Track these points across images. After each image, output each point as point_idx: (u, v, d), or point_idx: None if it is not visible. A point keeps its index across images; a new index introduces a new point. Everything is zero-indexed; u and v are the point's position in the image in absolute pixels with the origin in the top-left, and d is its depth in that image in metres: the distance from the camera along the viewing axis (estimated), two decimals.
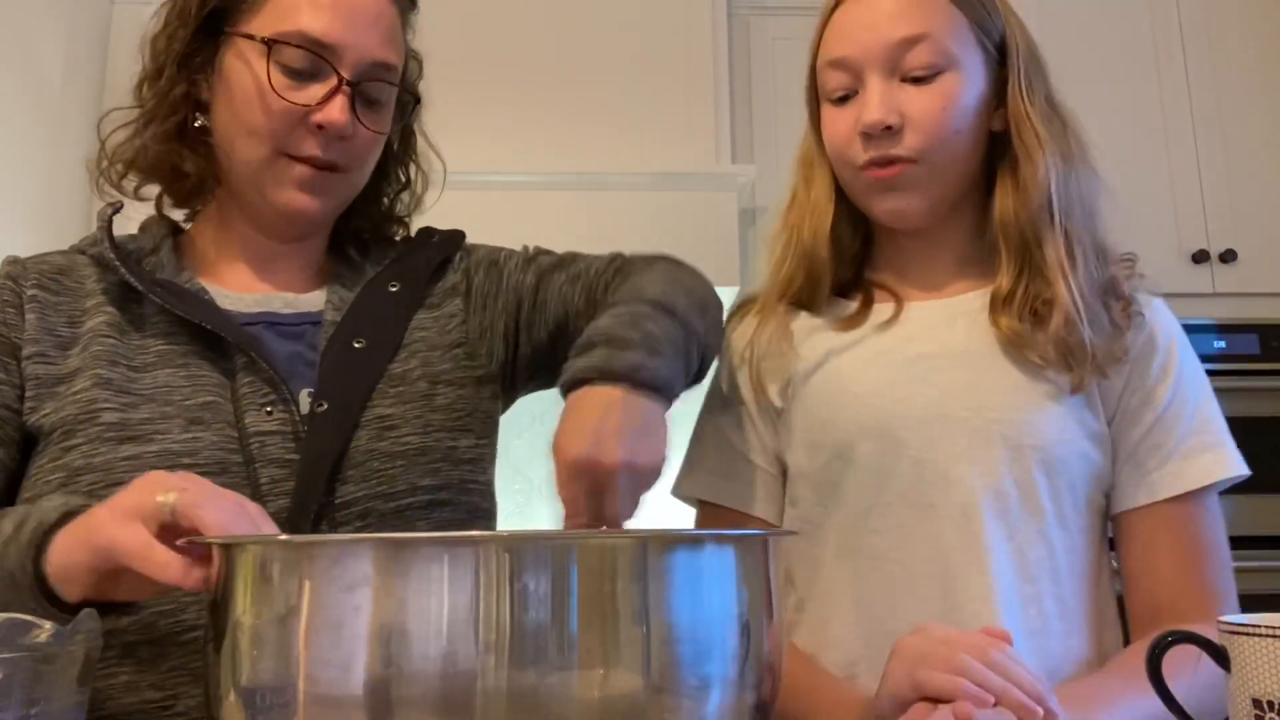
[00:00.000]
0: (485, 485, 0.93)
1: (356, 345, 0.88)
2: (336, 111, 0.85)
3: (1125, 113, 2.52)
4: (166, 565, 0.59)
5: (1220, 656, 0.56)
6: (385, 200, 1.03)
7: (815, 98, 0.96)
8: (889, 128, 0.88)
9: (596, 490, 0.69)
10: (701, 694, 0.47)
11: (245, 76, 0.85)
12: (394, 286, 0.94)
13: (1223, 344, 2.40)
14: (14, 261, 0.91)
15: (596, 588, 0.46)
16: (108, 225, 0.91)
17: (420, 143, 1.03)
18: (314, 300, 0.93)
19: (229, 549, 0.52)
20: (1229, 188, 2.57)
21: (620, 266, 0.94)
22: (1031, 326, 0.86)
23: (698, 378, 0.86)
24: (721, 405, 0.97)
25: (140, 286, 0.85)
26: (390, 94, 0.92)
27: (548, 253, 1.01)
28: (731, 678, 0.49)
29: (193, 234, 0.96)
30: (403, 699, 0.44)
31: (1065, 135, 0.92)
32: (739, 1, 2.82)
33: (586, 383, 0.72)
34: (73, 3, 2.57)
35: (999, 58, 0.92)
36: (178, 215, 0.99)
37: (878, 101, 0.88)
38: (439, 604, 0.44)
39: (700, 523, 1.00)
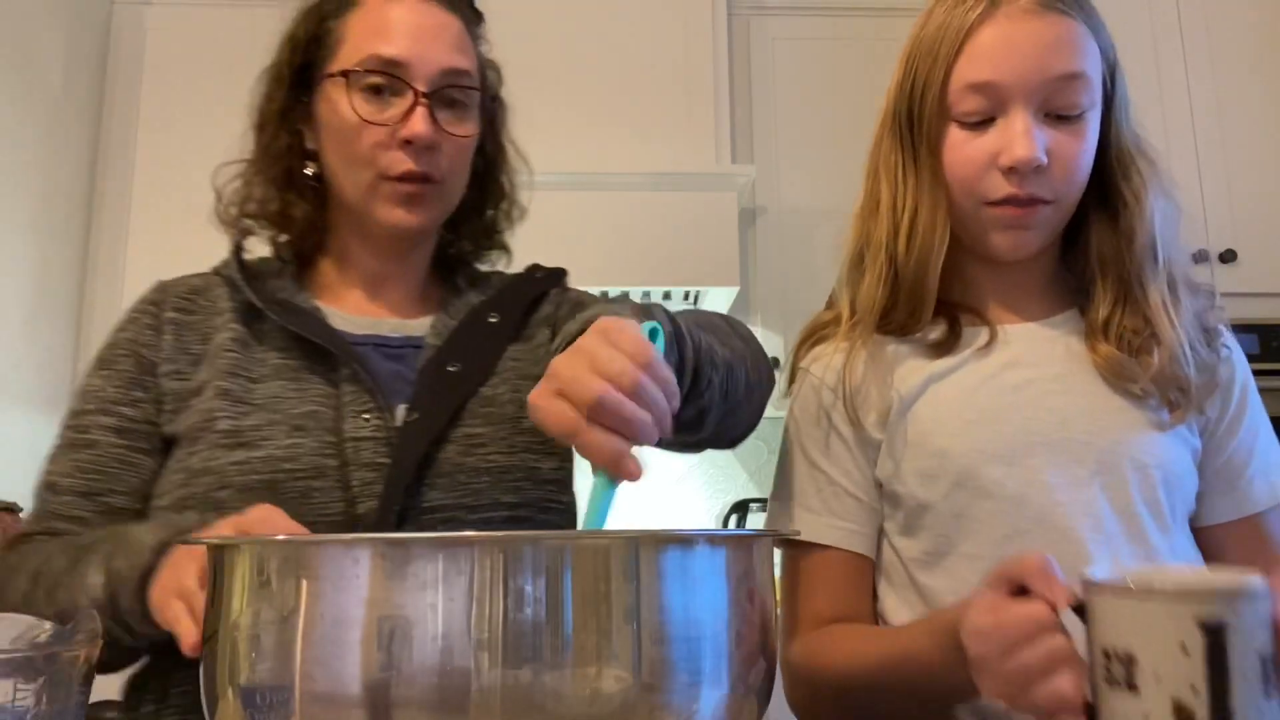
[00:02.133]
0: (566, 506, 0.95)
1: (451, 369, 0.93)
2: (419, 123, 0.89)
3: None
4: (184, 634, 0.66)
5: (1080, 611, 0.59)
6: (485, 215, 1.06)
7: (938, 112, 0.87)
8: (1038, 167, 0.83)
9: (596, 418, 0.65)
10: (692, 691, 0.48)
11: (336, 113, 0.92)
12: (494, 318, 0.99)
13: None
14: (159, 288, 1.00)
15: (589, 587, 0.46)
16: (237, 250, 0.99)
17: (511, 154, 1.07)
18: (419, 326, 0.98)
19: (225, 549, 0.53)
20: (1229, 188, 2.57)
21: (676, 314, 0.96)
22: (1131, 357, 0.85)
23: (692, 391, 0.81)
24: (810, 439, 0.93)
25: (260, 304, 0.92)
26: (470, 98, 0.95)
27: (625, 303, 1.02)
28: (722, 676, 0.50)
29: (316, 261, 1.02)
30: (399, 697, 0.45)
31: (1159, 168, 0.90)
32: (739, 1, 2.82)
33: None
34: (73, 3, 2.57)
35: (1111, 85, 0.89)
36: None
37: (1031, 138, 0.82)
38: (435, 603, 0.45)
39: (788, 563, 0.94)
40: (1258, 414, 0.93)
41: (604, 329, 0.64)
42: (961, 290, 0.93)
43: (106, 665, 0.84)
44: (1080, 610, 0.58)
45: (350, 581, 0.46)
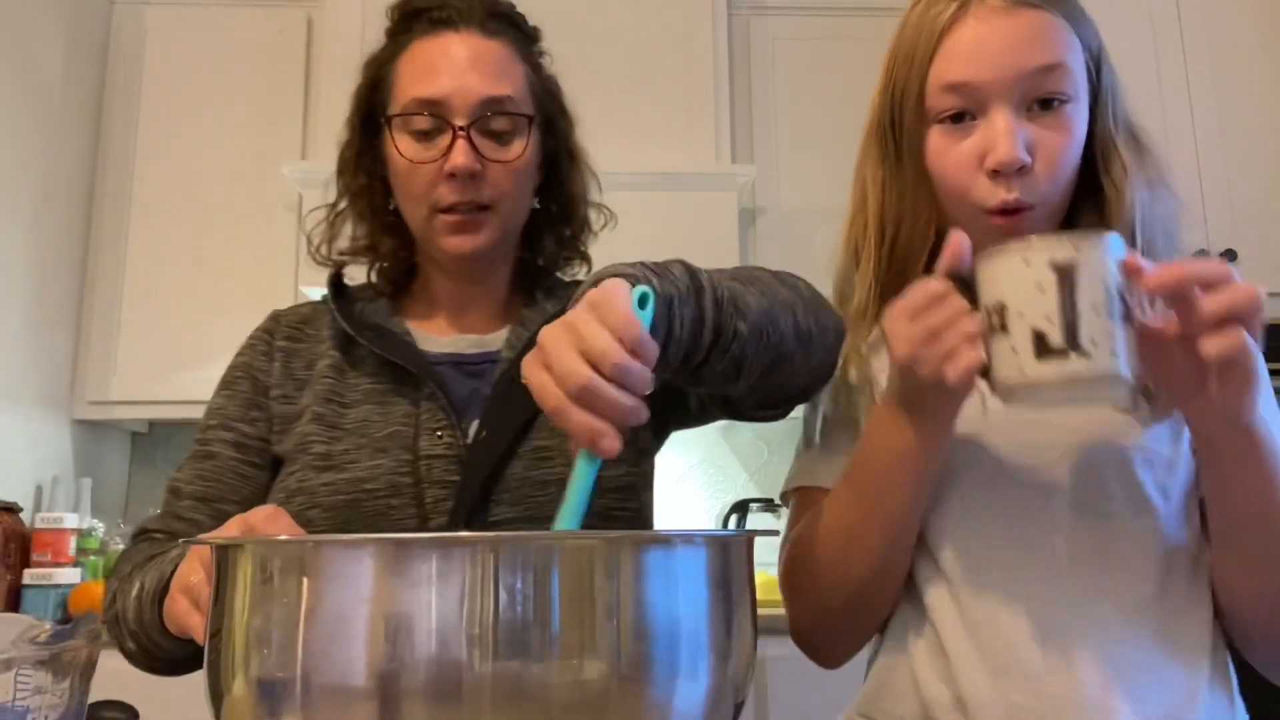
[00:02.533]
0: (634, 512, 0.97)
1: (523, 381, 0.93)
2: (460, 156, 0.93)
3: None
4: (196, 628, 0.71)
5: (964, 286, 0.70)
6: (558, 227, 1.07)
7: (919, 116, 0.87)
8: (1021, 168, 0.82)
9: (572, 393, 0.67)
10: (669, 684, 0.51)
11: (392, 154, 0.97)
12: None
13: None
14: (273, 317, 1.06)
15: (574, 585, 0.49)
16: (334, 279, 1.05)
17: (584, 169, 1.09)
18: (497, 340, 1.01)
19: (229, 549, 0.54)
20: (1229, 187, 2.57)
21: None
22: None
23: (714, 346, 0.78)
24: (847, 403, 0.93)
25: (351, 331, 0.98)
26: (515, 123, 0.97)
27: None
28: (699, 670, 0.53)
29: (409, 285, 1.08)
30: (398, 689, 0.47)
31: (1147, 159, 0.88)
32: (739, 1, 2.82)
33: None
34: (73, 3, 2.58)
35: (1096, 76, 0.87)
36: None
37: (1012, 138, 0.81)
38: (430, 600, 0.47)
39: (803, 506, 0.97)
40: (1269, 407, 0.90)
41: (592, 302, 0.64)
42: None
43: (158, 669, 0.90)
44: (963, 284, 0.70)
45: (350, 580, 0.48)
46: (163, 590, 0.80)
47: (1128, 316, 0.65)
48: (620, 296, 0.65)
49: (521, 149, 0.97)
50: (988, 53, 0.83)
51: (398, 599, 0.48)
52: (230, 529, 0.71)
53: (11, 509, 2.27)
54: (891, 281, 0.89)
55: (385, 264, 1.06)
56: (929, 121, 0.86)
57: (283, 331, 1.03)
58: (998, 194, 0.83)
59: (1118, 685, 0.77)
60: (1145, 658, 0.79)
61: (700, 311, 0.71)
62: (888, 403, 0.78)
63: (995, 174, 0.82)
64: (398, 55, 0.99)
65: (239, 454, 0.97)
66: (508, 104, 0.96)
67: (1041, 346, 0.64)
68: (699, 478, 2.89)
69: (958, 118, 0.84)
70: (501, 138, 0.96)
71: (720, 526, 2.74)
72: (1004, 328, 0.66)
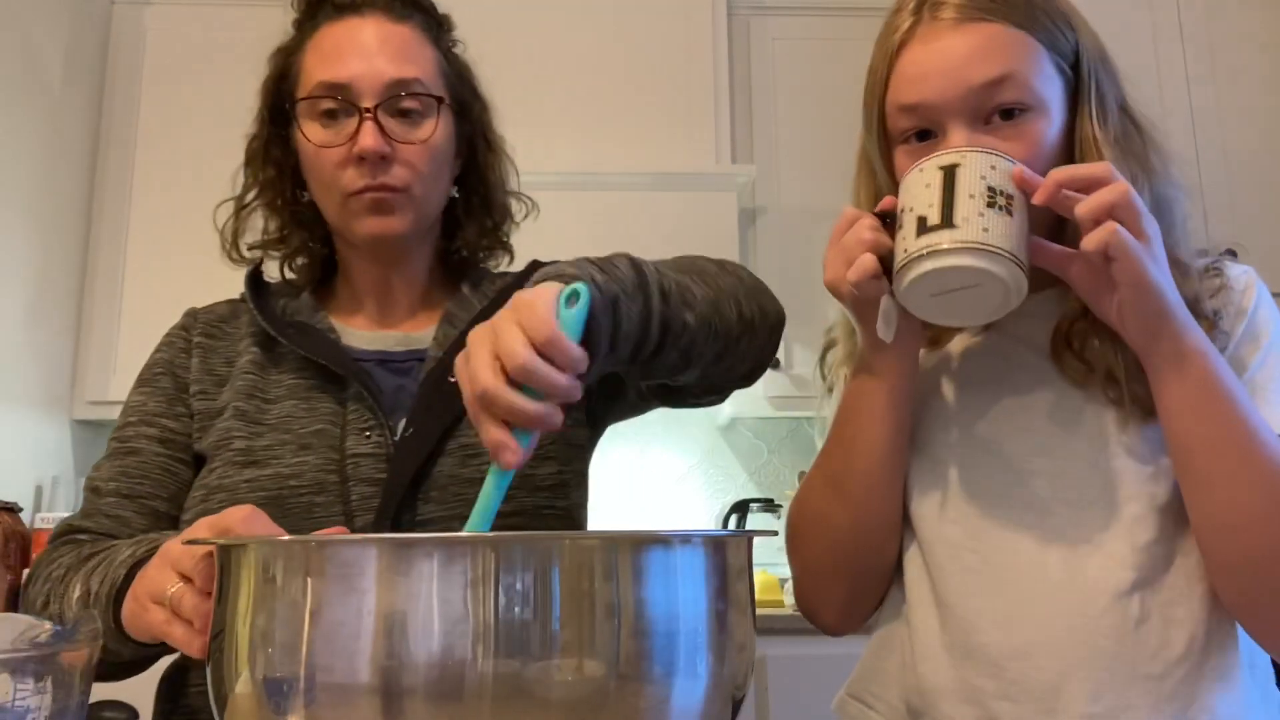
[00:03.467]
0: (564, 510, 0.95)
1: (452, 379, 0.93)
2: (368, 139, 0.92)
3: None
4: (179, 639, 0.68)
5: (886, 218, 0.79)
6: (478, 215, 1.06)
7: (883, 137, 0.88)
8: None
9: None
10: (666, 682, 0.52)
11: (300, 141, 0.96)
12: None
13: None
14: (189, 314, 1.05)
15: (575, 584, 0.50)
16: (252, 275, 1.03)
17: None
18: (424, 338, 1.00)
19: (232, 550, 0.55)
20: (1229, 187, 2.57)
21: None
22: (1088, 361, 0.83)
23: (660, 348, 0.78)
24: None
25: (273, 331, 0.96)
26: (425, 104, 0.96)
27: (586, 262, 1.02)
28: (696, 668, 0.53)
29: (330, 278, 1.07)
30: (401, 687, 0.47)
31: (1142, 149, 0.87)
32: (739, 1, 2.82)
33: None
34: (73, 3, 2.58)
35: (1074, 75, 0.86)
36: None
37: None
38: (433, 599, 0.48)
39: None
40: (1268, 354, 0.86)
41: (515, 303, 0.64)
42: None
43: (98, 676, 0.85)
44: (886, 217, 0.78)
45: (354, 580, 0.49)
46: (117, 594, 0.77)
47: (1009, 211, 0.73)
48: (543, 297, 0.64)
49: (432, 129, 0.95)
50: (936, 71, 0.83)
51: (400, 598, 0.48)
52: (199, 530, 0.70)
53: (11, 509, 2.27)
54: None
55: (298, 258, 1.04)
56: (895, 142, 0.87)
57: (199, 329, 1.02)
58: None
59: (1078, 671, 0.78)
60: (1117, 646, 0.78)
61: (647, 306, 0.72)
62: (858, 351, 0.85)
63: None
64: (304, 43, 0.98)
65: (164, 449, 0.95)
66: (416, 85, 0.95)
67: (921, 227, 0.73)
68: (699, 478, 2.89)
69: (922, 135, 0.85)
70: (410, 117, 0.95)
71: (720, 526, 2.74)
72: (901, 227, 0.75)
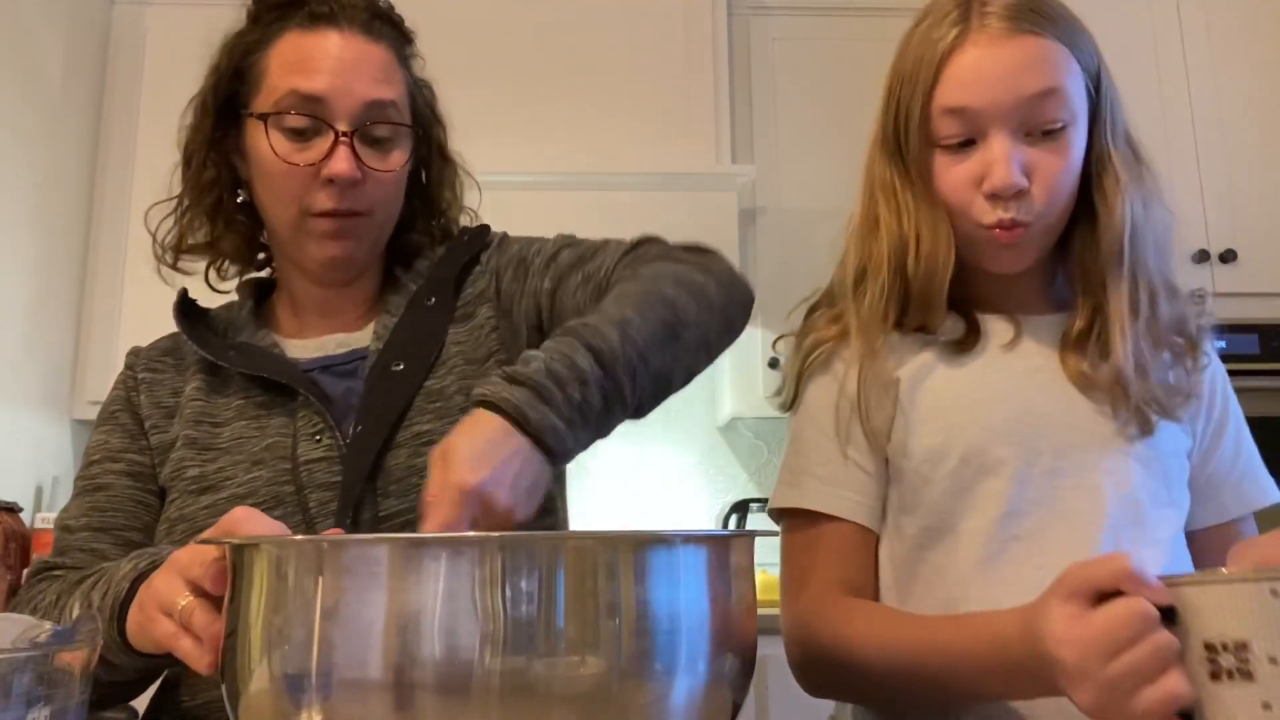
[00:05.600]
0: (543, 509, 0.94)
1: (395, 368, 0.92)
2: (340, 163, 0.89)
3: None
4: (188, 654, 0.66)
5: (1167, 614, 0.57)
6: (429, 229, 1.05)
7: (923, 138, 0.89)
8: (1019, 192, 0.84)
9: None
10: (667, 679, 0.52)
11: (260, 150, 0.92)
12: (430, 300, 0.98)
13: (1222, 344, 2.39)
14: (132, 353, 1.03)
15: (579, 584, 0.51)
16: (178, 307, 1.00)
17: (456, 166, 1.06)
18: (364, 335, 0.98)
19: (243, 550, 0.56)
20: (1229, 188, 2.57)
21: (629, 263, 0.95)
22: (1096, 368, 0.87)
23: (656, 397, 0.81)
24: (825, 417, 0.93)
25: (211, 357, 0.95)
26: (396, 132, 0.94)
27: (573, 245, 1.01)
28: (697, 666, 0.54)
29: (271, 297, 1.05)
30: (411, 683, 0.49)
31: (1142, 175, 0.90)
32: (739, 1, 2.82)
33: (485, 404, 0.72)
34: (73, 3, 2.57)
35: (1095, 96, 0.89)
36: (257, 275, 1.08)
37: (1008, 164, 0.84)
38: (441, 597, 0.49)
39: (792, 533, 0.93)
40: (1238, 424, 0.96)
41: (452, 450, 0.69)
42: (964, 289, 0.93)
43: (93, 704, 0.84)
44: (1166, 612, 0.57)
45: (364, 579, 0.50)
46: (121, 608, 0.75)
47: None
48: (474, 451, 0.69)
49: (401, 160, 0.95)
50: (987, 78, 0.84)
51: (409, 597, 0.49)
52: (206, 538, 0.68)
53: (11, 509, 2.27)
54: (912, 304, 0.91)
55: (226, 263, 1.01)
56: (933, 145, 0.88)
57: (142, 365, 1.00)
58: (995, 213, 0.85)
59: None
60: None
61: (617, 382, 0.75)
62: (1010, 654, 0.68)
63: (993, 196, 0.85)
64: (268, 44, 0.94)
65: (133, 482, 0.94)
66: (390, 111, 0.93)
67: None
68: (699, 478, 2.88)
69: (962, 144, 0.86)
70: (382, 145, 0.93)
71: (720, 526, 2.74)
72: (1245, 674, 0.53)
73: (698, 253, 0.94)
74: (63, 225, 2.54)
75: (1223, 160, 2.58)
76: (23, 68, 2.39)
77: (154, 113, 2.68)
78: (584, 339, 0.75)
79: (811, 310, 1.00)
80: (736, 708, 0.58)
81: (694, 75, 2.69)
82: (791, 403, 0.97)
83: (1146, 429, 0.86)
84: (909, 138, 0.89)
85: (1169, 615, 0.57)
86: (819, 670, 0.87)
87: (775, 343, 1.02)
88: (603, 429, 0.76)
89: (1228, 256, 2.50)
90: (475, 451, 0.68)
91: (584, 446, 0.75)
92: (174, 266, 1.01)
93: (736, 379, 2.69)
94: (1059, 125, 0.85)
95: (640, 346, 0.77)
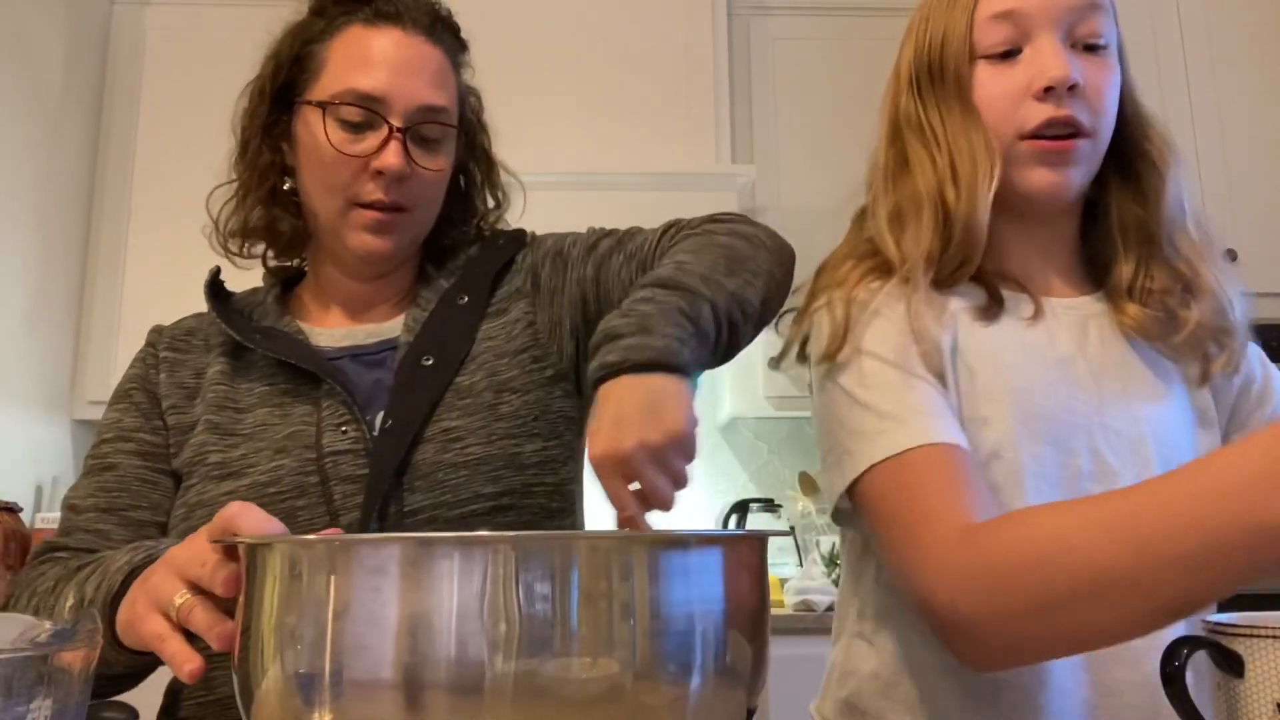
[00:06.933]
0: (554, 486, 0.94)
1: (425, 363, 0.93)
2: (392, 157, 0.91)
3: None
4: (173, 656, 0.65)
5: (1232, 661, 0.53)
6: (464, 231, 1.07)
7: (964, 55, 0.86)
8: (1073, 86, 0.82)
9: (630, 478, 0.74)
10: (682, 680, 0.52)
11: (312, 138, 0.94)
12: (463, 299, 0.99)
13: None
14: (155, 330, 1.03)
15: (592, 584, 0.51)
16: (210, 286, 1.01)
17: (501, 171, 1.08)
18: (394, 326, 0.99)
19: (256, 549, 0.56)
20: (1229, 188, 2.57)
21: (673, 235, 0.99)
22: (1164, 317, 0.85)
23: (733, 337, 0.84)
24: (905, 359, 0.82)
25: (238, 337, 0.95)
26: (445, 134, 0.97)
27: (609, 234, 1.06)
28: (711, 667, 0.53)
29: (298, 287, 1.06)
30: (423, 683, 0.49)
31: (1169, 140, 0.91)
32: (739, 1, 2.82)
33: (600, 382, 0.75)
34: (73, 3, 2.57)
35: (1122, 53, 0.90)
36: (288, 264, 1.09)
37: (1061, 58, 0.82)
38: (454, 598, 0.49)
39: (883, 493, 0.79)
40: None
41: (652, 405, 0.75)
42: (993, 259, 0.89)
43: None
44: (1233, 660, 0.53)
45: (377, 578, 0.50)
46: (114, 601, 0.74)
47: None
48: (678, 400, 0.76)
49: (446, 161, 0.97)
50: None
51: (422, 597, 0.49)
52: (199, 538, 0.67)
53: (11, 509, 2.27)
54: (953, 238, 0.85)
55: (280, 249, 1.02)
56: (975, 58, 0.87)
57: (165, 344, 1.00)
58: (1046, 110, 0.83)
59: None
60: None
61: (698, 327, 0.79)
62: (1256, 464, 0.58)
63: (1047, 92, 0.83)
64: (331, 35, 0.96)
65: (144, 462, 0.94)
66: (443, 115, 0.96)
67: None
68: (699, 478, 2.88)
69: (1006, 54, 0.86)
70: (431, 145, 0.95)
71: (720, 526, 2.74)
72: None
73: (732, 220, 0.99)
74: (63, 225, 2.54)
75: (1223, 160, 2.58)
76: (23, 68, 2.39)
77: (154, 113, 2.68)
78: (650, 283, 0.81)
79: (818, 274, 0.94)
80: (751, 712, 0.58)
81: (694, 75, 2.69)
82: (837, 352, 0.85)
83: (1205, 376, 0.85)
84: (946, 60, 0.88)
85: (1235, 664, 0.53)
86: (1009, 598, 0.68)
87: (776, 323, 0.96)
88: (699, 321, 0.80)
89: (1228, 256, 2.50)
90: (591, 431, 0.75)
91: (683, 342, 0.78)
92: (241, 253, 1.02)
93: (736, 379, 2.70)
94: (1102, 42, 0.85)
95: (703, 272, 0.83)
